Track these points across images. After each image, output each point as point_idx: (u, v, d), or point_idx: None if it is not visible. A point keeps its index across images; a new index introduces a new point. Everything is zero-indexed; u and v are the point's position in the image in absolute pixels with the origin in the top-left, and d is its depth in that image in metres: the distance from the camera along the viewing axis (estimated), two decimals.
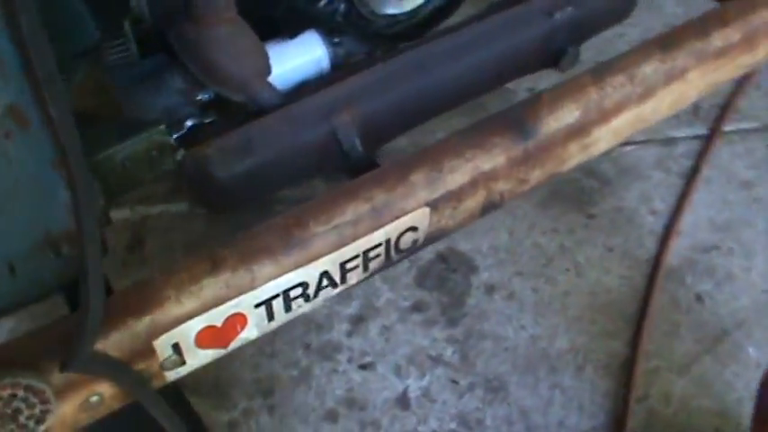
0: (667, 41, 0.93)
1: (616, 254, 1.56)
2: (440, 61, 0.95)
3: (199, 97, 0.91)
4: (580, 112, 0.87)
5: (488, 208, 0.86)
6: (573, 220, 1.60)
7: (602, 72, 0.89)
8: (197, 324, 0.73)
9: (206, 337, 0.75)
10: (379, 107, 0.91)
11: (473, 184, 0.82)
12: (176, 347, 0.74)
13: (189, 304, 0.73)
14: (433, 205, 0.81)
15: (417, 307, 1.49)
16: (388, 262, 0.82)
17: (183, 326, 0.73)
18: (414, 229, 0.81)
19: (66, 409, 0.70)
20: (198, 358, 0.76)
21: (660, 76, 0.91)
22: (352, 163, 0.90)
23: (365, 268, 0.81)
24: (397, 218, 0.79)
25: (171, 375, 0.76)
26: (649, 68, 0.91)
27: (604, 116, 0.89)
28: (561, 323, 1.46)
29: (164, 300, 0.72)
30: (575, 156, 0.90)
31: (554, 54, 1.02)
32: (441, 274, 1.53)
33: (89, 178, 0.64)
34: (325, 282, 0.79)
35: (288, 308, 0.78)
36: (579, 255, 1.55)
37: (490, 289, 1.51)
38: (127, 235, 1.60)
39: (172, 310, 0.72)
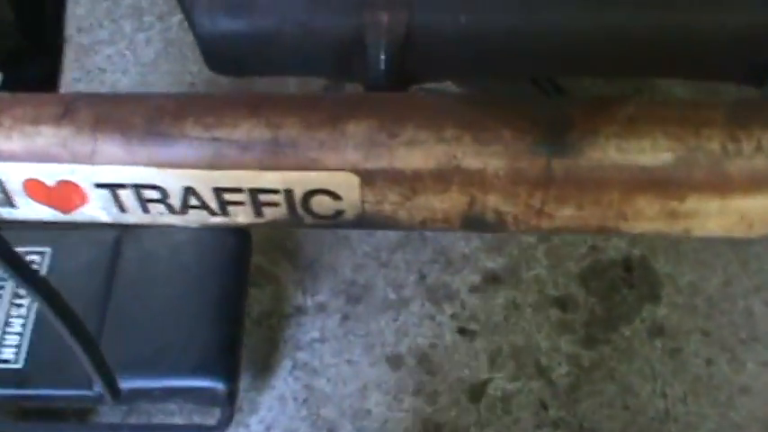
0: None
1: None
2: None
3: None
4: (677, 158, 0.54)
5: (477, 224, 0.58)
6: None
7: (748, 112, 0.54)
8: (23, 170, 0.59)
9: (36, 191, 0.60)
10: (438, 25, 0.64)
11: (442, 179, 0.55)
12: (1, 185, 0.60)
13: (18, 144, 0.58)
14: (368, 178, 0.55)
15: (563, 303, 1.19)
16: (296, 220, 0.59)
17: (7, 164, 0.59)
18: (333, 195, 0.57)
19: None
20: (32, 210, 0.62)
21: None
22: (370, 80, 0.65)
23: (257, 212, 0.59)
24: (305, 169, 0.55)
25: (2, 213, 0.63)
26: None
27: (724, 184, 0.54)
28: (712, 418, 1.09)
29: None
30: (650, 219, 0.56)
31: (759, 66, 0.64)
32: (614, 282, 1.20)
33: None
34: (193, 200, 0.58)
35: (144, 208, 0.60)
36: None
37: (657, 331, 1.16)
38: None
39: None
